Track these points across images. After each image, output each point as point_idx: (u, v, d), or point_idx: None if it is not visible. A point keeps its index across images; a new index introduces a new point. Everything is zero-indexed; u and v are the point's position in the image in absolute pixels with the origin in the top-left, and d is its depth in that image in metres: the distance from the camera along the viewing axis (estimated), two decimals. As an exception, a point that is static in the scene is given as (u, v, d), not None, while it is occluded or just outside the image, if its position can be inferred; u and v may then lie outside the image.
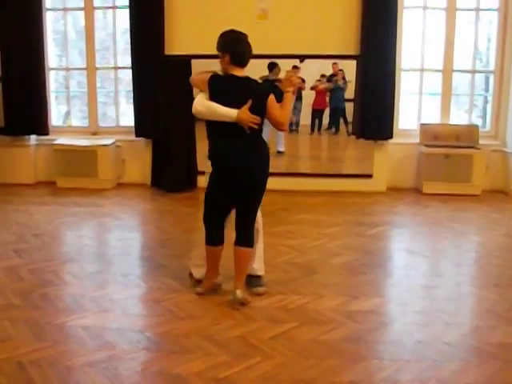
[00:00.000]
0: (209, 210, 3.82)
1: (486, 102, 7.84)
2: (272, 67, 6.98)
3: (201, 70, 3.80)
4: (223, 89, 3.62)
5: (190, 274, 4.11)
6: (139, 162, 7.48)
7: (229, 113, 3.55)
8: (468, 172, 6.91)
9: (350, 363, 3.04)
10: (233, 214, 3.82)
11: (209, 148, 3.73)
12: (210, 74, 3.65)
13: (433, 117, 7.36)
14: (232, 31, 3.70)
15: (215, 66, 3.91)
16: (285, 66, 7.15)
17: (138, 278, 4.28)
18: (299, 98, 7.53)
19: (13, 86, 7.15)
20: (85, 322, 3.49)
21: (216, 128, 3.65)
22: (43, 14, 7.27)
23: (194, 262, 4.08)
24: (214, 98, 3.59)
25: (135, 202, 6.73)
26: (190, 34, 6.83)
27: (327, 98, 7.53)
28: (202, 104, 3.59)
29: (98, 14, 7.62)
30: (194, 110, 3.63)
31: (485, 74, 7.75)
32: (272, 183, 6.80)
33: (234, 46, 3.64)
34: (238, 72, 3.66)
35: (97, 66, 7.61)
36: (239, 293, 3.75)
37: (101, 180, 7.24)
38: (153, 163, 7.32)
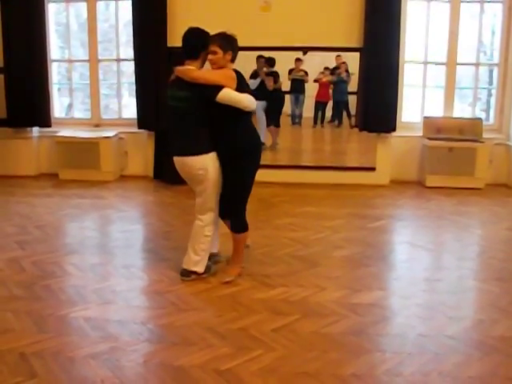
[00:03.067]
0: (247, 196, 4.00)
1: (489, 95, 7.81)
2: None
3: (179, 67, 3.87)
4: (240, 83, 3.82)
5: (194, 272, 4.05)
6: (142, 154, 7.47)
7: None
8: (471, 165, 6.88)
9: (353, 356, 3.04)
10: None
11: (240, 138, 3.88)
12: (232, 70, 3.81)
13: (436, 110, 7.33)
14: (198, 29, 3.92)
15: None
16: (288, 58, 7.15)
17: (140, 270, 4.29)
18: (302, 90, 7.51)
19: (15, 78, 7.14)
20: (87, 314, 3.50)
21: (247, 117, 3.93)
22: (45, 6, 7.24)
23: (196, 259, 4.02)
24: (238, 91, 3.78)
25: (138, 194, 6.73)
26: (193, 25, 6.79)
27: (330, 91, 7.52)
28: (250, 98, 3.80)
29: (100, 5, 7.58)
30: (253, 106, 3.83)
31: (489, 66, 7.73)
32: (275, 176, 6.89)
33: (236, 45, 3.89)
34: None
35: (99, 57, 7.59)
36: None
37: (103, 172, 7.24)
38: (155, 155, 7.31)
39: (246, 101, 3.76)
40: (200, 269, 4.04)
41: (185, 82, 3.76)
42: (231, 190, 3.93)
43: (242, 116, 3.84)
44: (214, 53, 3.78)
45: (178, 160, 3.95)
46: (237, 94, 3.73)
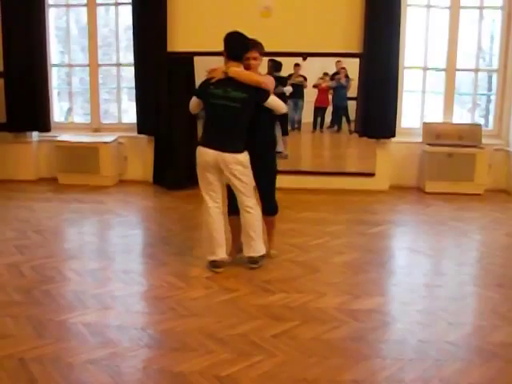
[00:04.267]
0: None
1: (489, 101, 7.82)
2: None
3: (216, 66, 4.15)
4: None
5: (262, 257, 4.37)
6: (141, 159, 7.46)
7: None
8: (471, 171, 6.89)
9: (353, 362, 3.03)
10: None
11: (272, 137, 4.36)
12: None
13: (436, 116, 7.34)
14: (242, 33, 4.14)
15: (219, 62, 4.19)
16: (287, 63, 7.15)
17: (139, 276, 4.28)
18: (301, 96, 7.50)
19: (15, 82, 7.14)
20: (86, 319, 3.49)
21: None
22: (46, 11, 7.25)
23: (257, 243, 4.31)
24: None
25: (137, 199, 6.72)
26: (193, 30, 6.81)
27: (330, 96, 7.52)
28: (284, 105, 4.26)
29: (100, 10, 7.60)
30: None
31: (488, 72, 7.73)
32: (274, 181, 6.86)
33: None
34: None
35: (99, 62, 7.59)
36: None
37: (103, 177, 7.23)
38: (155, 160, 7.30)
39: (283, 106, 4.20)
40: (263, 250, 4.36)
41: (240, 83, 3.97)
42: (266, 179, 4.32)
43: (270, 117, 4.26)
44: (256, 59, 4.09)
45: (216, 154, 4.09)
46: (277, 99, 4.14)
